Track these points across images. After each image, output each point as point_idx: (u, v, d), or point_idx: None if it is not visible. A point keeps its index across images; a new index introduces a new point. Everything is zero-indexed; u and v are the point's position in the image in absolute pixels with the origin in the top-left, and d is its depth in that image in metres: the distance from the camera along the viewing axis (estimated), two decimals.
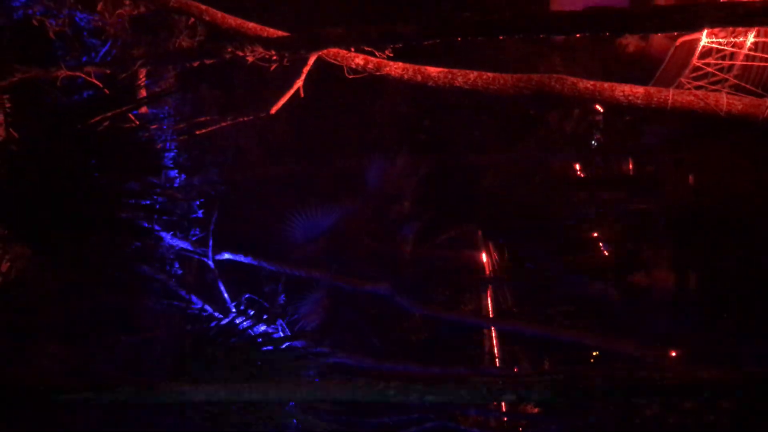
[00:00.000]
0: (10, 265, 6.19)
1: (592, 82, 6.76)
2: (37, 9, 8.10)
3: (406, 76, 7.51)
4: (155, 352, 6.08)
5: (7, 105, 7.62)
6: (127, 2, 8.47)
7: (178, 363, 5.59)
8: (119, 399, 4.32)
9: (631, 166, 16.39)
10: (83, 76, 7.83)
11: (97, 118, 6.26)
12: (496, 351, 14.88)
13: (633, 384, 3.97)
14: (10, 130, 6.66)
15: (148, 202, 6.80)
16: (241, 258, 10.91)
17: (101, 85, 7.48)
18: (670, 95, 6.65)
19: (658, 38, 8.73)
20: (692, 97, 6.69)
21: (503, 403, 12.81)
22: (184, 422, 5.31)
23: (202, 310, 8.47)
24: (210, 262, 10.18)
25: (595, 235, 17.06)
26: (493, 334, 14.93)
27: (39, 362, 5.60)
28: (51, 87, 7.75)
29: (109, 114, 6.66)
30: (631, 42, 11.16)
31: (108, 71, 7.98)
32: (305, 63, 7.66)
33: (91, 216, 6.12)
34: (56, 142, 6.37)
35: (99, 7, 8.35)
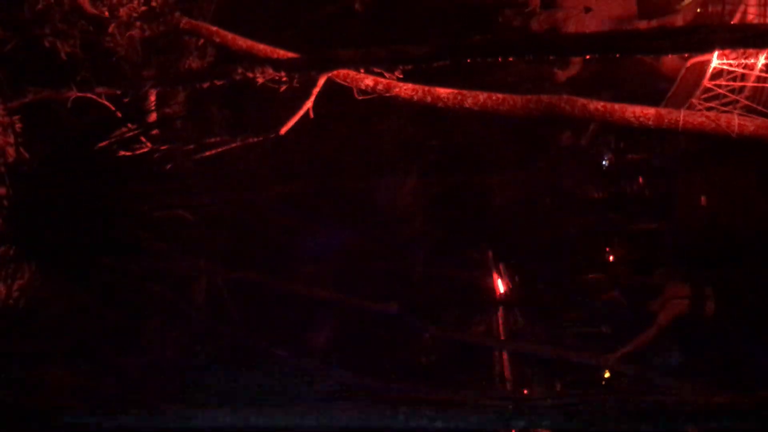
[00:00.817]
0: (20, 287, 6.21)
1: (602, 103, 6.76)
2: (48, 30, 8.18)
3: (415, 97, 7.53)
4: (163, 375, 6.06)
5: (18, 126, 7.68)
6: (138, 24, 8.54)
7: (186, 386, 5.57)
8: (126, 423, 4.31)
9: (642, 187, 16.33)
10: (94, 97, 7.90)
11: (107, 141, 6.29)
12: (506, 373, 14.77)
13: (645, 409, 3.93)
14: (21, 150, 6.71)
15: (157, 223, 6.80)
16: (250, 277, 10.89)
17: (112, 107, 7.54)
18: (681, 116, 6.63)
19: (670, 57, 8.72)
20: (703, 118, 6.67)
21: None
22: None
23: (212, 330, 8.45)
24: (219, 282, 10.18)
25: (607, 256, 16.96)
26: (504, 356, 14.83)
27: (47, 384, 5.60)
28: (62, 108, 7.81)
29: (119, 135, 6.69)
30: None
31: (119, 92, 8.04)
32: (315, 84, 7.68)
33: (101, 238, 6.13)
34: (66, 164, 6.40)
35: (110, 28, 8.42)
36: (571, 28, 11.38)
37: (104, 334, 6.19)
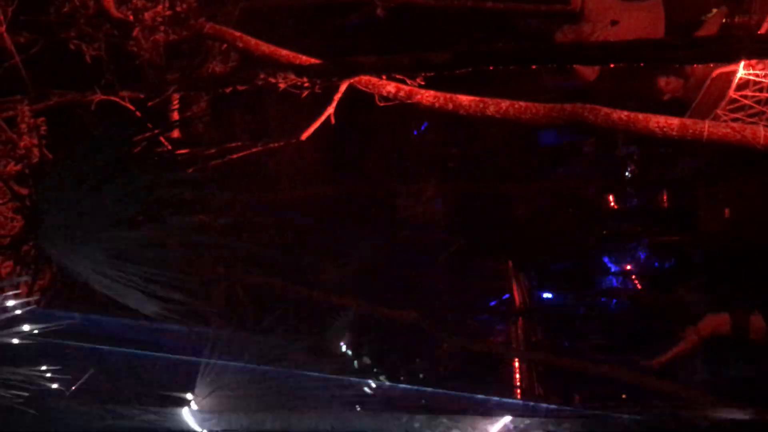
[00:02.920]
0: (41, 287, 6.26)
1: (626, 113, 6.70)
2: (74, 33, 8.27)
3: (437, 104, 7.50)
4: (179, 377, 6.08)
5: (43, 128, 7.76)
6: (163, 28, 8.61)
7: (201, 389, 5.58)
8: (139, 425, 4.32)
9: (665, 198, 16.19)
10: (118, 100, 7.97)
11: (130, 144, 6.33)
12: (525, 383, 14.67)
13: (665, 424, 3.87)
14: (44, 151, 6.77)
15: (179, 227, 6.82)
16: (269, 283, 10.92)
17: (136, 111, 7.60)
18: (706, 127, 6.55)
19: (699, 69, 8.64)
20: (728, 130, 6.59)
21: None
22: None
23: (231, 333, 8.45)
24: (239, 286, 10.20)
25: (629, 267, 16.83)
26: (523, 367, 14.73)
27: (60, 384, 5.63)
28: (86, 111, 7.89)
29: (143, 139, 6.73)
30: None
31: (142, 96, 8.11)
32: (337, 90, 7.69)
33: (122, 241, 6.16)
34: (89, 166, 6.45)
35: (135, 32, 8.50)
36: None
37: (123, 336, 6.22)
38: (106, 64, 8.53)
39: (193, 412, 4.95)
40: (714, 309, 11.66)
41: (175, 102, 8.75)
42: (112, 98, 7.85)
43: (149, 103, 8.02)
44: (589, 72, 12.81)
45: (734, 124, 6.76)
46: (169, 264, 6.63)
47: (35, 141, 7.37)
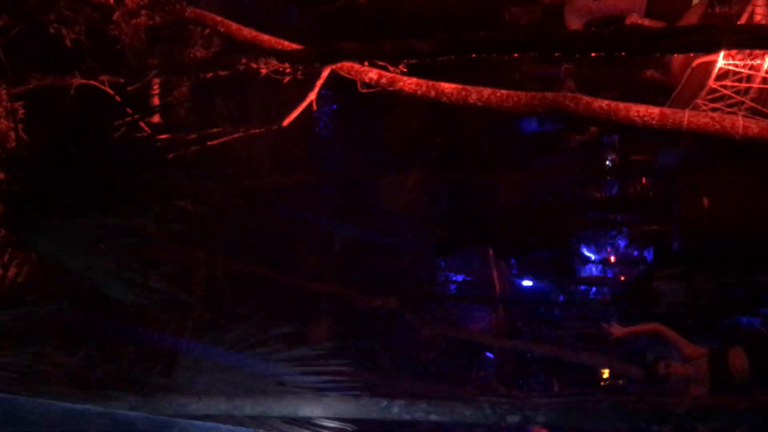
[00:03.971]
0: (17, 271, 6.20)
1: (606, 102, 6.71)
2: (53, 17, 8.16)
3: (419, 92, 7.48)
4: (159, 363, 6.05)
5: (21, 112, 7.67)
6: (144, 12, 8.52)
7: (180, 374, 5.56)
8: (120, 410, 4.28)
9: (645, 188, 16.31)
10: (98, 85, 7.89)
11: (109, 128, 6.27)
12: (504, 369, 14.76)
13: (641, 409, 3.90)
14: (22, 135, 6.69)
15: (158, 212, 6.77)
16: (250, 269, 10.89)
17: (116, 95, 7.52)
18: (686, 117, 6.58)
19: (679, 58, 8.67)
20: (708, 119, 6.61)
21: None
22: None
23: (211, 320, 8.43)
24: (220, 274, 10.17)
25: (609, 256, 16.95)
26: (502, 353, 14.83)
27: (42, 370, 5.58)
28: (65, 95, 7.80)
29: (122, 123, 6.67)
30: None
31: (122, 81, 8.03)
32: (319, 76, 7.65)
33: (101, 225, 6.11)
34: (67, 150, 6.38)
35: (115, 16, 8.40)
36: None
37: (102, 321, 6.18)
38: (86, 48, 8.43)
39: (171, 396, 4.92)
40: (690, 302, 11.77)
41: (156, 87, 8.66)
42: (92, 83, 7.76)
43: (129, 88, 7.93)
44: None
45: (714, 114, 6.79)
46: (149, 251, 6.60)
47: (12, 125, 7.28)
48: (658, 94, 8.46)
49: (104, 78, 7.89)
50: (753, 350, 7.19)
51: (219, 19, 8.20)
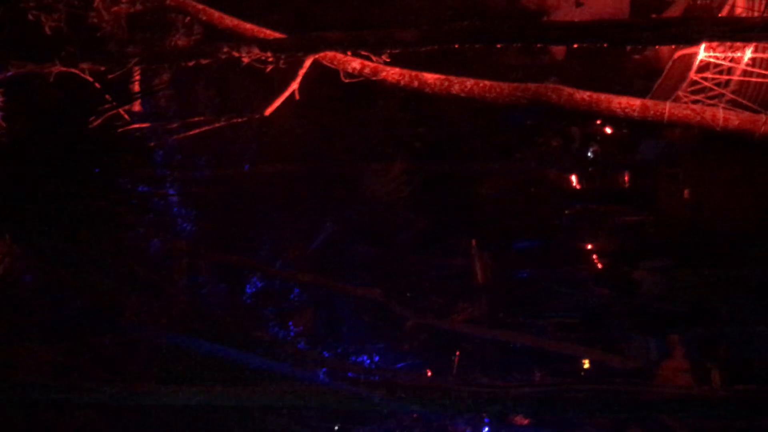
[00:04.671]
0: None
1: (588, 93, 6.71)
2: (33, 4, 8.06)
3: (402, 82, 7.45)
4: (141, 353, 6.02)
5: (1, 99, 7.57)
6: (124, 0, 8.43)
7: (163, 364, 5.54)
8: (101, 400, 4.27)
9: (627, 179, 16.38)
10: (78, 72, 7.78)
11: (89, 116, 6.21)
12: (487, 361, 14.81)
13: (618, 399, 3.92)
14: (1, 122, 6.61)
15: (138, 200, 6.74)
16: (232, 260, 10.85)
17: (96, 83, 7.42)
18: (667, 108, 6.60)
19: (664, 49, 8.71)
20: (689, 111, 6.64)
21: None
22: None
23: (193, 309, 8.39)
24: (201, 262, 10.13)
25: (589, 247, 17.01)
26: (484, 344, 14.87)
27: (24, 361, 5.55)
28: (45, 83, 7.70)
29: (102, 111, 6.61)
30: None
31: (103, 69, 7.92)
32: (301, 65, 7.59)
33: (80, 212, 6.07)
34: (47, 137, 6.33)
35: (95, 3, 8.30)
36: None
37: (82, 310, 6.14)
38: (66, 35, 8.32)
39: (154, 386, 4.91)
40: (670, 294, 11.84)
41: (137, 75, 8.58)
42: (72, 70, 7.65)
43: (110, 76, 7.84)
44: (558, 51, 12.86)
45: (694, 106, 6.82)
46: (129, 237, 6.55)
47: None
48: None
49: (84, 66, 7.78)
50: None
51: (200, 7, 8.12)
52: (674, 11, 8.50)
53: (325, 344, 11.62)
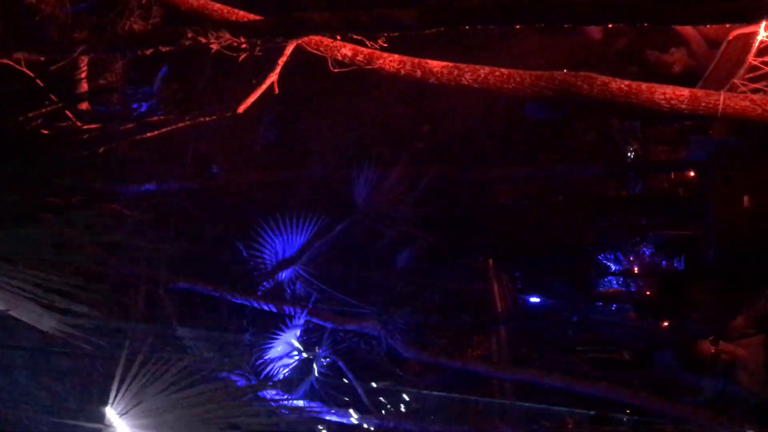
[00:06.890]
0: None
1: (627, 83, 6.75)
2: None
3: (403, 71, 7.49)
4: (92, 395, 6.02)
5: None
6: None
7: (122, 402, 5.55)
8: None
9: (673, 184, 16.43)
10: (12, 64, 7.81)
11: (25, 118, 6.21)
12: (508, 406, 14.78)
13: None
14: None
15: (88, 220, 6.72)
16: (199, 288, 10.84)
17: (33, 76, 7.46)
18: (722, 99, 6.64)
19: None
20: (747, 102, 6.68)
21: None
22: None
23: (151, 349, 8.37)
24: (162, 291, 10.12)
25: (629, 267, 17.02)
26: (506, 385, 14.84)
27: None
28: None
29: (42, 111, 6.61)
30: (677, 59, 11.19)
31: (42, 59, 7.96)
32: (281, 53, 7.63)
33: (15, 235, 6.06)
34: None
35: None
36: None
37: (28, 351, 6.15)
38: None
39: (109, 429, 4.92)
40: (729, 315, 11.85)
41: (84, 66, 8.61)
42: (5, 61, 7.69)
43: (52, 68, 7.87)
44: (595, 30, 12.88)
45: (755, 96, 6.85)
46: (72, 267, 6.54)
47: None
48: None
49: (20, 56, 7.82)
50: None
51: None
52: None
53: (311, 388, 11.58)
